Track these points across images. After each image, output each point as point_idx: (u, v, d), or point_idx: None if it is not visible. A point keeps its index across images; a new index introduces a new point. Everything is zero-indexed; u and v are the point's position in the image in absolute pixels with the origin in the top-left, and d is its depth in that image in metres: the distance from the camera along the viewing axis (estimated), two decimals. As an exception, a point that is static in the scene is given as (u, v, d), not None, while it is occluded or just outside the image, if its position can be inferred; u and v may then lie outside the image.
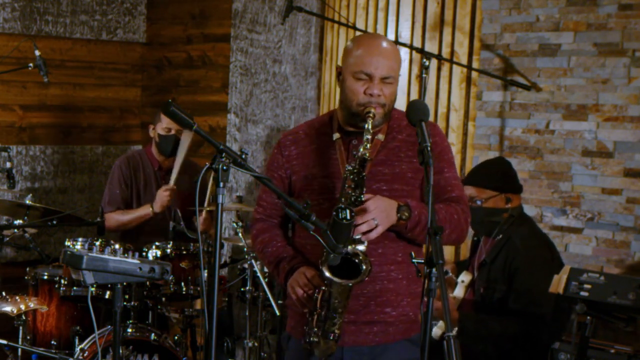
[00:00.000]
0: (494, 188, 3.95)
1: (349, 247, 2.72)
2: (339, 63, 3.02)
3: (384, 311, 2.95)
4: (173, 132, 4.97)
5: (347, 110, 2.94)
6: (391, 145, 2.98)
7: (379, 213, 2.77)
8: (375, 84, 2.88)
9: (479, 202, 3.93)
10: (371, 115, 2.84)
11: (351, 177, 2.78)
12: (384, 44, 2.95)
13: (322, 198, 2.93)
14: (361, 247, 2.76)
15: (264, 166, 5.84)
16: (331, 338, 2.78)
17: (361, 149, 2.79)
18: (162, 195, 4.81)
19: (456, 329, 3.71)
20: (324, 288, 2.77)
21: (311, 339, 2.80)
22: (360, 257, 2.74)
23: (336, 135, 3.00)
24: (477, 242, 4.16)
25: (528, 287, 3.77)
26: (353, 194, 2.76)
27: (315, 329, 2.79)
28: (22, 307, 4.05)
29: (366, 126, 2.82)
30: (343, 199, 2.75)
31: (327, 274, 2.71)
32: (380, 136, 2.98)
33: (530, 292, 3.75)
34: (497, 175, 4.00)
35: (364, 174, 2.78)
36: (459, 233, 2.95)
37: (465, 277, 4.06)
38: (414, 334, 3.02)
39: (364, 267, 2.73)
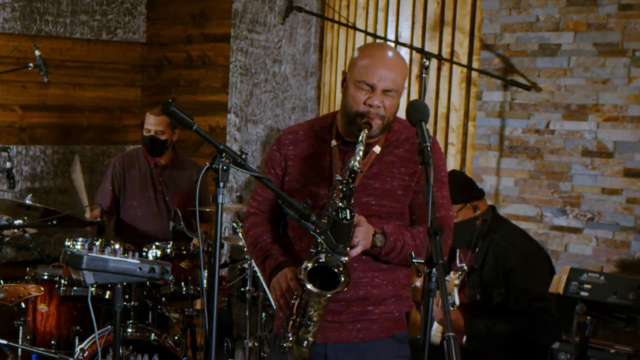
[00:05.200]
0: (458, 201, 3.93)
1: (332, 258, 2.71)
2: (345, 69, 2.99)
3: (366, 310, 2.94)
4: (152, 133, 5.06)
5: (346, 117, 2.92)
6: (386, 159, 2.95)
7: (361, 234, 2.76)
8: (377, 95, 2.84)
9: None
10: (368, 126, 2.82)
11: (340, 187, 2.76)
12: (390, 56, 2.91)
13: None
14: (343, 258, 2.74)
15: (263, 166, 5.84)
16: (304, 345, 2.78)
17: (352, 161, 2.77)
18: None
19: (464, 337, 3.73)
20: (302, 294, 2.77)
21: (285, 343, 2.80)
22: (341, 268, 2.72)
23: (334, 142, 2.98)
24: (452, 251, 4.12)
25: (527, 285, 3.78)
26: (340, 204, 2.74)
27: (290, 334, 2.79)
28: (20, 295, 4.02)
29: (360, 138, 2.80)
30: (330, 209, 2.73)
31: (306, 283, 2.71)
32: (377, 148, 2.95)
33: (530, 289, 3.75)
34: (456, 188, 3.97)
35: (352, 185, 2.75)
36: None
37: (457, 280, 4.03)
38: (399, 332, 3.01)
39: (343, 279, 2.71)
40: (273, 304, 4.43)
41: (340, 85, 3.01)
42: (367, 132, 2.81)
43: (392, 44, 5.15)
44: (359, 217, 2.77)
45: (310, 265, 2.72)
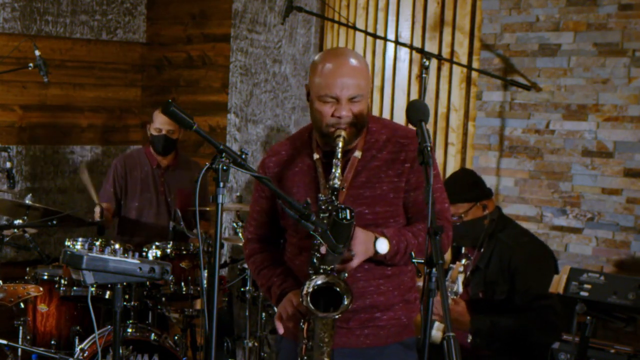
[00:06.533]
0: (468, 200, 3.94)
1: (331, 277, 2.70)
2: (306, 81, 2.92)
3: (374, 316, 2.93)
4: (164, 132, 5.03)
5: (318, 131, 2.88)
6: (371, 165, 2.89)
7: (357, 245, 2.73)
8: (343, 105, 2.78)
9: (456, 218, 3.92)
10: (341, 138, 2.77)
11: (325, 206, 2.73)
12: (350, 61, 2.82)
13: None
14: (344, 274, 2.74)
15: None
16: None
17: (331, 179, 2.72)
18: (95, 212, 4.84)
19: (470, 335, 3.73)
20: (308, 318, 2.76)
21: None
22: (343, 287, 2.71)
23: (316, 156, 2.93)
24: (457, 249, 4.13)
25: (531, 284, 3.78)
26: (340, 204, 2.71)
27: (306, 358, 2.78)
28: (19, 295, 4.03)
29: (337, 152, 2.74)
30: (320, 229, 2.67)
31: (310, 307, 2.70)
32: (358, 153, 2.89)
33: (535, 288, 3.76)
34: (467, 186, 3.99)
35: (337, 203, 2.71)
36: None
37: (461, 267, 4.01)
38: (407, 338, 2.99)
39: (346, 300, 2.70)
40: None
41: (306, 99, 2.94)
42: (341, 144, 2.77)
43: (392, 44, 5.16)
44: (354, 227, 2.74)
45: (310, 289, 2.70)
